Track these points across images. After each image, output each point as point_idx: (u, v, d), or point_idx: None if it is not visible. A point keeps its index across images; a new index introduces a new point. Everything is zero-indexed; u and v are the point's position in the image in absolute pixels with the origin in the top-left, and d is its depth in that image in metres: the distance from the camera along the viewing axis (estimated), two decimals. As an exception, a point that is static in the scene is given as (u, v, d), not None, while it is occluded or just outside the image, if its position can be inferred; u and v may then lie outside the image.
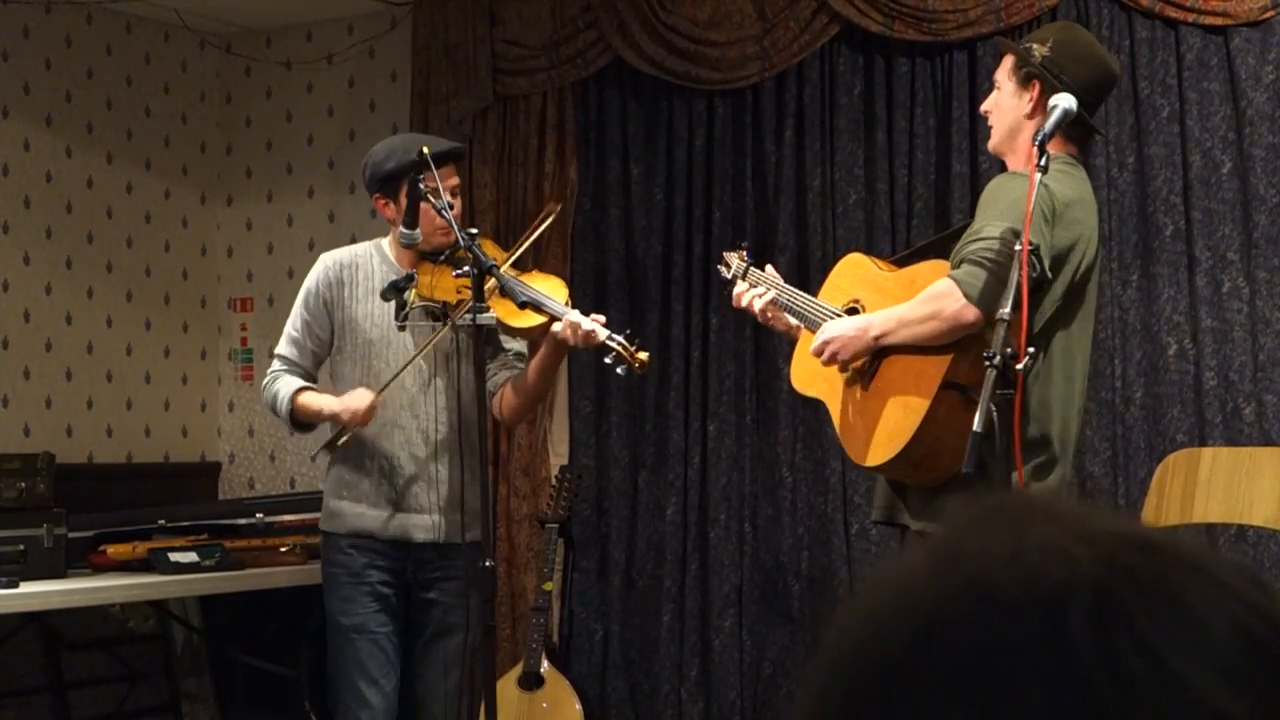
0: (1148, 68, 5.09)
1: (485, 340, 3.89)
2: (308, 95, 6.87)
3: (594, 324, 3.93)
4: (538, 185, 6.07)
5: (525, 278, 4.10)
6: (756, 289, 3.76)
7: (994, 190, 3.42)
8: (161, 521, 5.52)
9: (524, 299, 3.95)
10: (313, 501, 5.07)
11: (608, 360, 4.00)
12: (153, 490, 6.39)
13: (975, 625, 0.63)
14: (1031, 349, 3.09)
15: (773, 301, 3.72)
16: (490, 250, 3.93)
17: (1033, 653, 0.61)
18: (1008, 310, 3.04)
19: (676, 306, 5.88)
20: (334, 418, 4.02)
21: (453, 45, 6.23)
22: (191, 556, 5.25)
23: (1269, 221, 4.90)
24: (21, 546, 4.95)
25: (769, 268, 3.89)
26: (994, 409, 3.24)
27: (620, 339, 3.95)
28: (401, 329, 4.04)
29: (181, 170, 6.94)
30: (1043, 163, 3.18)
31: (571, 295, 5.93)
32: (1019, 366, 3.03)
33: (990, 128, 3.61)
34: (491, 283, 3.88)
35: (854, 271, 3.70)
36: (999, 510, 0.69)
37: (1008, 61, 3.56)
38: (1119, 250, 5.09)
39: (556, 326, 3.97)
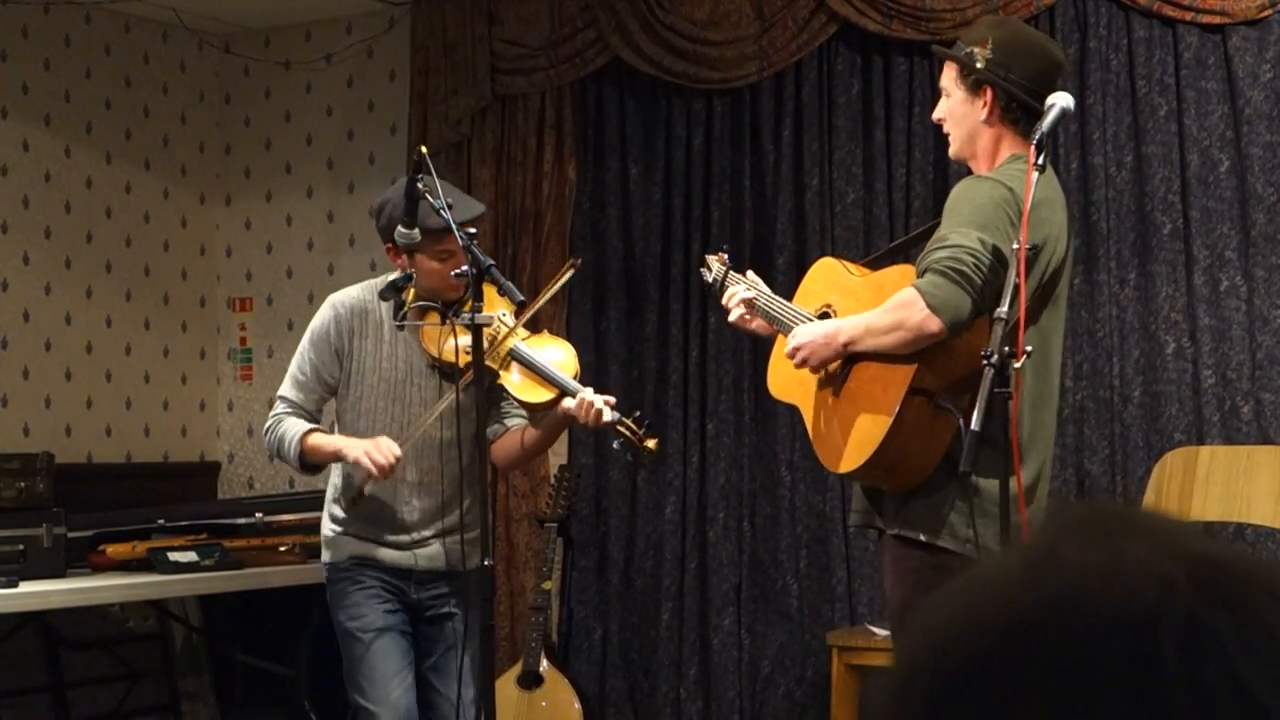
0: (1145, 66, 5.09)
1: (489, 389, 3.88)
2: (306, 95, 6.88)
3: (605, 407, 3.90)
4: (536, 185, 6.08)
5: (535, 340, 4.09)
6: (737, 288, 3.76)
7: (959, 196, 3.39)
8: (161, 521, 5.53)
9: (545, 376, 3.98)
10: (312, 501, 5.07)
11: (615, 445, 3.97)
12: (152, 490, 6.40)
13: (1066, 635, 0.63)
14: (1030, 348, 3.09)
15: (749, 304, 3.72)
16: (499, 304, 3.90)
17: (1120, 669, 0.62)
18: (1004, 310, 3.04)
19: (675, 306, 5.88)
20: (355, 464, 3.93)
21: (451, 45, 6.23)
22: (191, 556, 5.25)
23: (1266, 220, 4.90)
24: (21, 546, 4.95)
25: (750, 273, 3.89)
26: (953, 408, 3.26)
27: (630, 424, 3.93)
28: (400, 328, 4.02)
29: (180, 170, 6.95)
30: (1040, 162, 3.18)
31: (571, 291, 5.97)
32: (1016, 365, 3.03)
33: (947, 135, 3.56)
34: (502, 334, 3.89)
35: (826, 275, 3.70)
36: (1097, 520, 0.69)
37: (951, 68, 3.50)
38: (1117, 249, 5.10)
39: (567, 402, 3.95)
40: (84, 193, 6.54)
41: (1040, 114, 3.36)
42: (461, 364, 3.86)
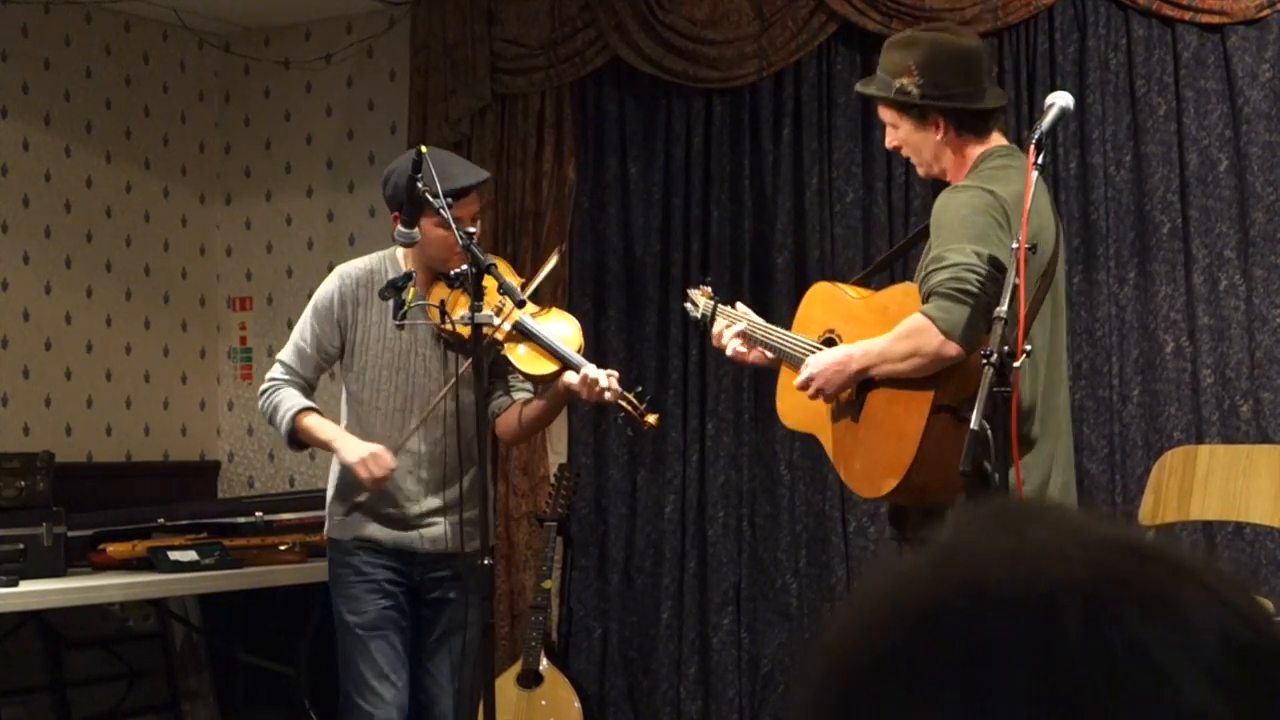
0: (1144, 66, 5.10)
1: (493, 361, 3.89)
2: (306, 95, 6.88)
3: (608, 381, 3.93)
4: (536, 184, 6.09)
5: (540, 317, 4.10)
6: (733, 325, 3.72)
7: (941, 210, 3.37)
8: (161, 520, 5.53)
9: (549, 349, 4.01)
10: (312, 500, 5.08)
11: (619, 419, 4.04)
12: (152, 489, 6.40)
13: (971, 621, 0.64)
14: (1029, 347, 3.09)
15: (745, 335, 3.70)
16: (505, 273, 3.91)
17: (1026, 650, 0.63)
18: (1003, 309, 3.04)
19: (675, 305, 5.88)
20: (351, 470, 4.00)
21: (451, 44, 6.24)
22: (191, 555, 5.26)
23: (1265, 219, 4.91)
24: (21, 545, 4.96)
25: (739, 305, 3.85)
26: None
27: (631, 398, 3.97)
28: (400, 328, 4.03)
29: (180, 169, 6.95)
30: (1039, 161, 3.17)
31: (570, 295, 5.98)
32: (1016, 364, 3.03)
33: (907, 158, 3.54)
34: (507, 307, 3.90)
35: (824, 301, 3.67)
36: (998, 512, 0.70)
37: (887, 105, 3.48)
38: (1116, 248, 5.11)
39: (570, 376, 3.98)
40: (84, 192, 6.54)
41: (984, 111, 3.38)
42: (467, 335, 3.88)
